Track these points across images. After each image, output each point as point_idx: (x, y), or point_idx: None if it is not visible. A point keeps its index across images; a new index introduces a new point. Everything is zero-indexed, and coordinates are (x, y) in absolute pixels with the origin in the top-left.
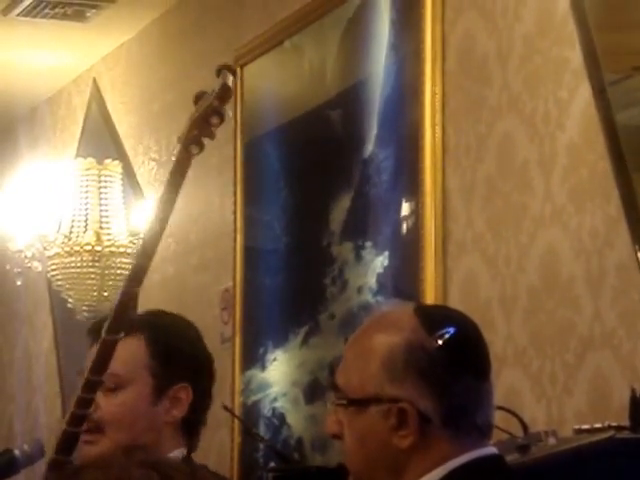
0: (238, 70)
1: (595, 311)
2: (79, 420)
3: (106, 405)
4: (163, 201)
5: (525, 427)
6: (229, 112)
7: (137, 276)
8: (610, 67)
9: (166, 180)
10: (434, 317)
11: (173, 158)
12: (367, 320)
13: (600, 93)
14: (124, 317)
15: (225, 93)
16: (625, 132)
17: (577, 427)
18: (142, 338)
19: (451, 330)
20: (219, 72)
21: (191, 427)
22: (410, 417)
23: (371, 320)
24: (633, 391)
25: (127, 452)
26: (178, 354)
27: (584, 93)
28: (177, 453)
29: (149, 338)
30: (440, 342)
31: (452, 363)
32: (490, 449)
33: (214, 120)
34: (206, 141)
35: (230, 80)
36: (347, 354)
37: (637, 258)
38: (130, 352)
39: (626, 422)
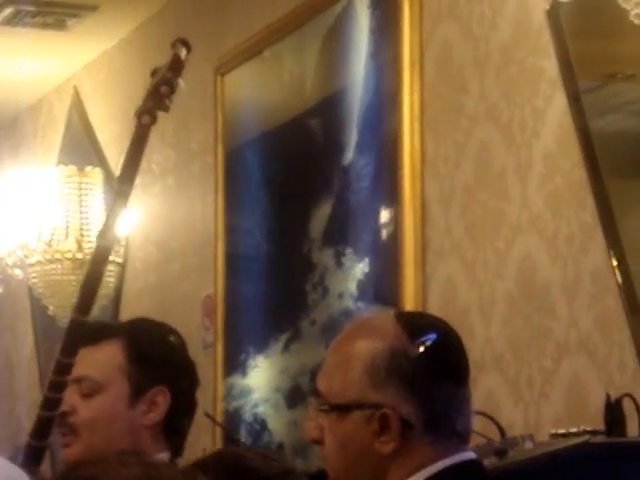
0: (219, 79)
1: (571, 316)
2: (53, 404)
3: (83, 409)
4: (124, 175)
5: (502, 431)
6: (182, 84)
7: (101, 254)
8: (585, 75)
9: (125, 153)
10: (416, 324)
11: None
12: (349, 326)
13: (575, 101)
14: (91, 297)
15: (176, 64)
16: (600, 139)
17: (553, 431)
18: (119, 342)
19: (433, 337)
20: (173, 45)
21: (173, 431)
22: (392, 423)
23: (353, 326)
24: (608, 396)
25: (122, 452)
26: (155, 358)
27: (559, 101)
28: (161, 457)
29: (126, 342)
30: (422, 349)
31: (434, 369)
32: (469, 454)
33: (164, 90)
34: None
35: (183, 53)
36: (329, 359)
37: (612, 264)
38: (107, 356)
39: (602, 426)
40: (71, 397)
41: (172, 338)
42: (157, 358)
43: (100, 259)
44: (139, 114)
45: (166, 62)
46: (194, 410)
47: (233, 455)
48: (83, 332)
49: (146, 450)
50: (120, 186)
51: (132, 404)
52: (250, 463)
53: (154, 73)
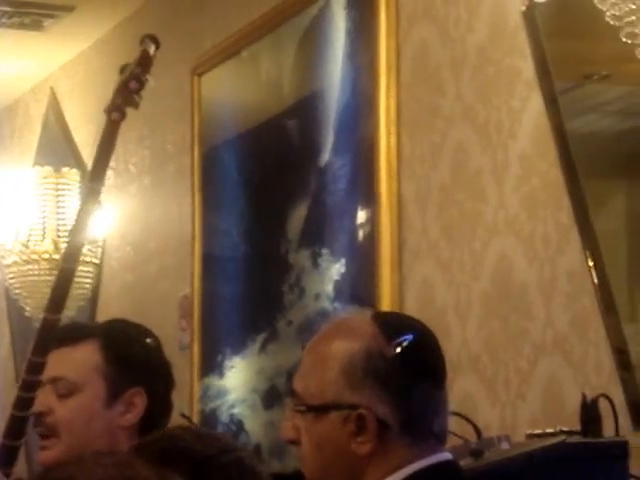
0: (195, 79)
1: (547, 317)
2: (25, 403)
3: (60, 410)
4: (95, 173)
5: (479, 432)
6: (152, 81)
7: (72, 253)
8: (561, 76)
9: (95, 151)
10: (392, 324)
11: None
12: (325, 326)
13: (551, 102)
14: (62, 296)
15: (145, 60)
16: (576, 140)
17: (529, 432)
18: (96, 343)
19: (410, 337)
20: (142, 41)
21: (149, 432)
22: (369, 423)
23: (329, 326)
24: (584, 396)
25: (98, 453)
26: (132, 359)
27: (536, 102)
28: None
29: (103, 343)
30: (399, 349)
31: (411, 370)
32: (445, 455)
33: (133, 85)
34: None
35: (152, 49)
36: (305, 360)
37: (588, 264)
38: (83, 357)
39: (578, 427)
40: (47, 397)
41: (148, 339)
42: (134, 359)
43: (72, 257)
44: (108, 111)
45: (135, 58)
46: (170, 411)
47: (164, 436)
48: (55, 331)
49: (123, 451)
50: (91, 184)
51: (109, 405)
52: (181, 443)
53: (123, 69)
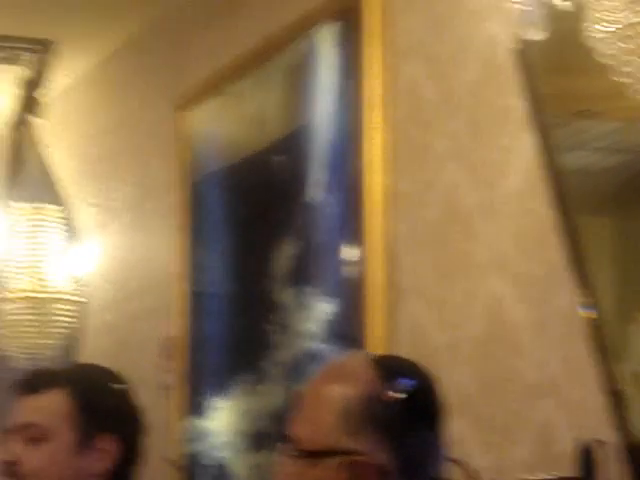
0: (179, 115)
1: (540, 359)
2: None
3: (28, 458)
4: None
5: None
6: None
7: None
8: (553, 112)
9: None
10: (391, 368)
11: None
12: (322, 369)
13: (543, 139)
14: None
15: None
16: (568, 177)
17: (522, 477)
18: (65, 390)
19: (408, 381)
20: None
21: (120, 478)
22: (366, 470)
23: (326, 370)
24: (580, 442)
25: None
26: (102, 405)
27: (527, 139)
28: None
29: (72, 390)
30: (397, 394)
31: (409, 415)
32: None
33: None
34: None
35: None
36: (302, 404)
37: (580, 304)
38: (52, 404)
39: (569, 471)
40: (15, 446)
41: (117, 385)
42: (103, 406)
43: None
44: None
45: None
46: (141, 458)
47: None
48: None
49: None
50: None
51: (79, 453)
52: None
53: None
